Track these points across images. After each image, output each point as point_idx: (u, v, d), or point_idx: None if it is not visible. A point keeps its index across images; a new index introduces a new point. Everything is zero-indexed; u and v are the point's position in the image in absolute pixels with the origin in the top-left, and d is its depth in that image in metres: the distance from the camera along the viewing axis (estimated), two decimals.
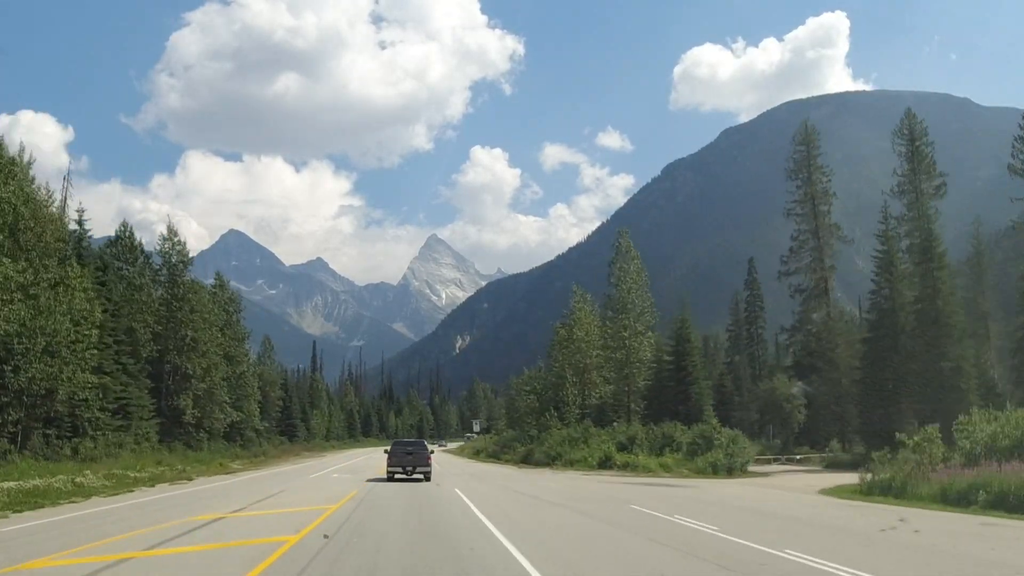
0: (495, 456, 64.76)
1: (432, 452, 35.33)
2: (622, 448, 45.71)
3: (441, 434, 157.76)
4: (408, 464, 31.17)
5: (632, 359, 56.84)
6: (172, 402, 46.62)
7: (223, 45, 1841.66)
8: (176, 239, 50.87)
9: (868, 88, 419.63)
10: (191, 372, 47.54)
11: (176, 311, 47.55)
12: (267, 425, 71.55)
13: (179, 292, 48.53)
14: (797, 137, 58.15)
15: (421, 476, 31.27)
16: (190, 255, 51.30)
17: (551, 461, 48.22)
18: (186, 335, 47.42)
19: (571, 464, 45.84)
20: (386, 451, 32.80)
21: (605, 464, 43.65)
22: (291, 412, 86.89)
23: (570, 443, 50.27)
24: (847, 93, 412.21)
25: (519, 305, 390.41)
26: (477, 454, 73.80)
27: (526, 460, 53.59)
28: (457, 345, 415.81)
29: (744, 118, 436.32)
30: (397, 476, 31.27)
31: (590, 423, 55.15)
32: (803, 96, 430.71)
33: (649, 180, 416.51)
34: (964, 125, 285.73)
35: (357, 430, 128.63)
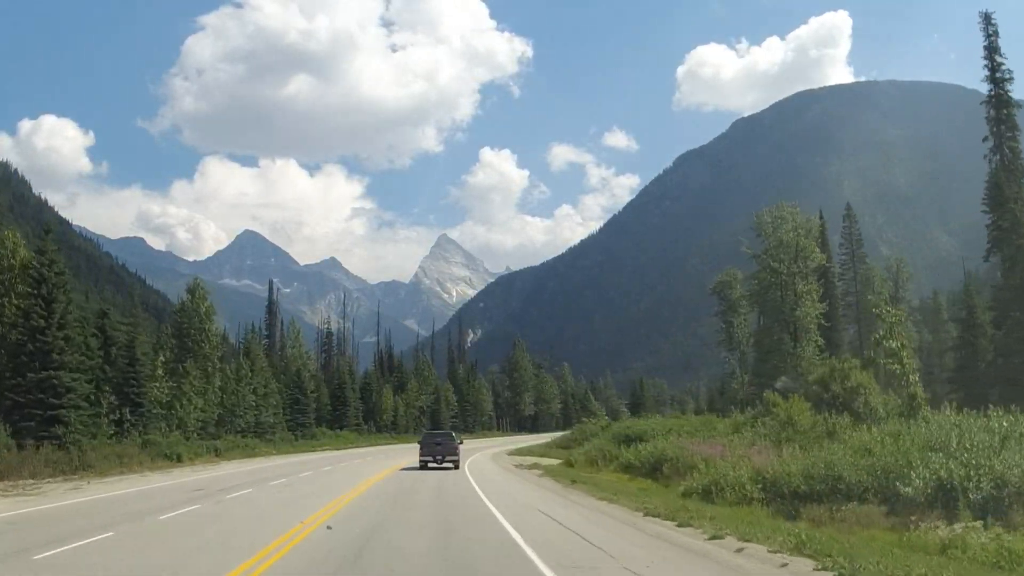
0: None
1: (461, 442, 36.13)
2: None
3: (469, 424, 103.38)
4: (438, 453, 32.55)
5: None
6: None
7: (236, 48, 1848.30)
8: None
9: (878, 80, 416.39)
10: None
11: None
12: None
13: None
14: None
15: (451, 464, 32.45)
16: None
17: None
18: None
19: None
20: (419, 442, 34.29)
21: None
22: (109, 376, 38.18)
23: None
24: (857, 84, 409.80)
25: (529, 300, 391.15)
26: None
27: None
28: (469, 339, 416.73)
29: (746, 116, 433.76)
30: (430, 465, 32.39)
31: None
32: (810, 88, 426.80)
33: (656, 176, 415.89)
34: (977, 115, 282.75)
35: (315, 419, 70.20)
